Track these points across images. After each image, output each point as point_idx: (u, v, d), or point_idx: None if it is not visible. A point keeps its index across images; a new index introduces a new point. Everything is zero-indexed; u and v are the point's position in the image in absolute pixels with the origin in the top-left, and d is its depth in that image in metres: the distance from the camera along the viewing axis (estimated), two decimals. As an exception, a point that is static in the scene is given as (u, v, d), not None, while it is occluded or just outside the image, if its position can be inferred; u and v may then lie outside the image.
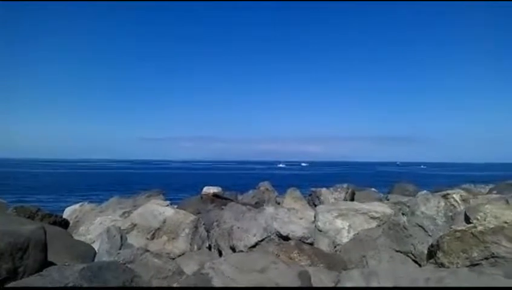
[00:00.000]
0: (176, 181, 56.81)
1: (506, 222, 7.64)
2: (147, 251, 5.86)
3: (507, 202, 10.28)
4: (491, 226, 5.36)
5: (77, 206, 11.97)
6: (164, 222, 8.34)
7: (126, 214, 9.97)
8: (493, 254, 4.98)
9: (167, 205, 9.77)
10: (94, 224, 9.64)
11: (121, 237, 7.45)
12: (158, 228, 8.27)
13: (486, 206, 8.73)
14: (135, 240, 7.99)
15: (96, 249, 7.47)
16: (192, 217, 8.73)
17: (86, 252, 7.22)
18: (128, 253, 5.63)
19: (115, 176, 75.09)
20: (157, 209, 8.72)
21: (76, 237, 8.67)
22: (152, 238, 8.21)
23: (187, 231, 8.32)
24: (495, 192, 16.95)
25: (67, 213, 11.54)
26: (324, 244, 7.84)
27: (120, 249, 6.98)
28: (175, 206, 11.11)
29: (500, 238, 4.98)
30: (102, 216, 10.10)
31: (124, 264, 5.05)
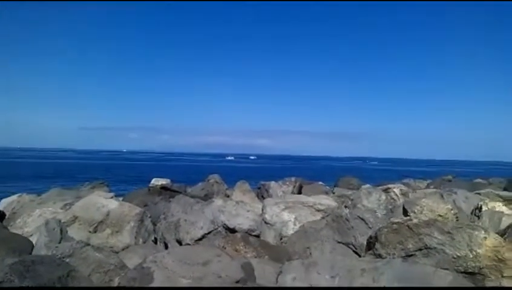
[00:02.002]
0: (122, 172, 55.03)
1: (440, 215, 8.17)
2: (88, 244, 5.67)
3: (442, 196, 11.01)
4: (425, 218, 5.69)
5: (14, 197, 11.39)
6: (107, 214, 8.08)
7: (67, 206, 9.56)
8: (426, 245, 5.28)
9: (112, 197, 9.49)
10: (32, 216, 9.16)
11: (61, 230, 7.14)
12: (101, 221, 8.00)
13: (423, 200, 9.31)
14: (76, 233, 7.69)
15: (34, 242, 7.12)
16: (138, 209, 8.53)
17: (23, 246, 6.86)
18: (66, 247, 5.41)
19: (57, 166, 71.43)
20: (100, 201, 8.43)
21: (12, 230, 8.22)
22: (95, 231, 7.94)
23: (132, 224, 8.13)
24: (432, 187, 18.11)
25: (3, 205, 10.96)
26: (270, 237, 7.98)
27: (59, 242, 6.70)
28: (121, 199, 10.83)
29: (433, 230, 5.29)
30: (42, 208, 9.61)
31: (62, 258, 4.86)
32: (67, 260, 4.84)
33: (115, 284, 4.92)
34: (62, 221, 7.60)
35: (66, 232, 7.33)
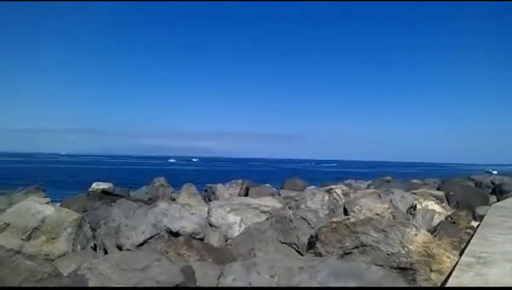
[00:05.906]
0: (61, 177, 52.17)
1: (377, 214, 8.56)
2: (19, 252, 5.35)
3: (379, 196, 11.53)
4: (362, 217, 5.93)
5: None
6: (43, 220, 7.69)
7: (-2, 213, 8.97)
8: (362, 242, 5.52)
9: (48, 203, 9.03)
10: (-43, 225, 8.48)
11: (-11, 239, 6.70)
12: (36, 228, 7.59)
13: (362, 199, 9.68)
14: (8, 241, 7.23)
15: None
16: (76, 215, 8.19)
17: None
18: (-6, 256, 5.06)
19: (-12, 171, 66.47)
20: (35, 207, 8.00)
21: None
22: (29, 238, 7.51)
23: (69, 230, 7.78)
24: (372, 187, 18.94)
25: None
26: (214, 239, 7.95)
27: (-13, 252, 6.27)
28: (58, 204, 10.34)
29: (368, 228, 5.54)
30: (-32, 216, 8.94)
31: (-11, 268, 4.55)
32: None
33: (48, 293, 4.67)
34: (-9, 229, 7.14)
35: (-4, 240, 6.88)
